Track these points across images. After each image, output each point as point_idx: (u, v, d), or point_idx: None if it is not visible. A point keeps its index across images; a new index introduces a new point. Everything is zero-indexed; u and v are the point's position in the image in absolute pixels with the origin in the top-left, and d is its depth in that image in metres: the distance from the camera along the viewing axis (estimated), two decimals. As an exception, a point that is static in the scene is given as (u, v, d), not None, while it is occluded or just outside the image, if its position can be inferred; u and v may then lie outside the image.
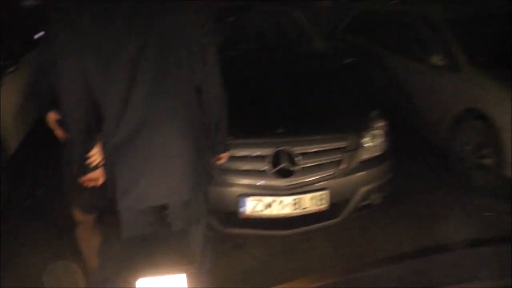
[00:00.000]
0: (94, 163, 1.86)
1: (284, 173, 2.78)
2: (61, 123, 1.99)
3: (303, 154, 2.80)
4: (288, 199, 2.76)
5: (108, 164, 1.83)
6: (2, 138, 3.36)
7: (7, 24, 3.92)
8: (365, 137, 2.98)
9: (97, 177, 1.91)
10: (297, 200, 2.76)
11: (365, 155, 2.95)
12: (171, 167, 1.77)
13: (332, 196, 2.81)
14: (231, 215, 2.83)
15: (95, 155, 1.86)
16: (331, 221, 2.91)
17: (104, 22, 1.62)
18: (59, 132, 2.08)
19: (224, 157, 2.17)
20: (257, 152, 2.81)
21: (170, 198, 1.85)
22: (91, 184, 1.95)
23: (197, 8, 1.77)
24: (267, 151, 2.79)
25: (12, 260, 2.88)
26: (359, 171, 2.91)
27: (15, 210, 3.40)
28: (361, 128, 3.01)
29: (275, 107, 3.09)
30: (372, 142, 2.99)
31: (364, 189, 2.91)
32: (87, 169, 1.87)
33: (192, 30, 1.75)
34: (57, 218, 2.90)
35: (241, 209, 2.78)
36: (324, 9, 6.84)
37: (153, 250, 1.46)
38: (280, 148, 2.79)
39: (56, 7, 1.68)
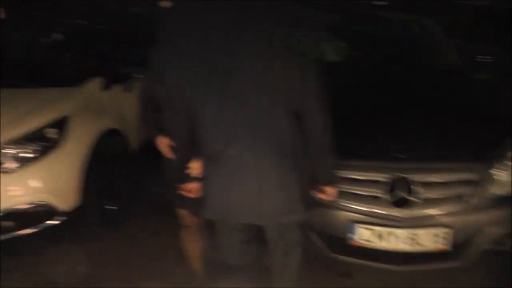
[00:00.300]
0: (192, 174, 1.91)
1: (401, 203, 2.54)
2: (174, 148, 2.02)
3: (423, 183, 2.53)
4: (403, 233, 2.52)
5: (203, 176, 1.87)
6: (126, 138, 3.60)
7: (137, 30, 4.13)
8: (499, 170, 2.61)
9: (193, 188, 1.95)
10: (413, 235, 2.51)
11: (497, 191, 2.59)
12: (258, 187, 1.74)
13: (454, 235, 2.51)
14: (339, 241, 2.67)
15: (195, 167, 1.89)
16: (451, 263, 2.60)
17: (201, 37, 1.63)
18: (169, 155, 2.11)
19: (329, 192, 2.00)
20: (372, 176, 2.60)
21: (256, 219, 1.85)
22: (187, 194, 1.99)
23: (294, 23, 1.67)
24: (383, 177, 2.56)
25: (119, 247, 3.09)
26: (489, 209, 2.55)
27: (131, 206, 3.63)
28: (494, 159, 2.64)
29: (395, 128, 2.84)
30: (506, 176, 2.61)
31: (493, 231, 2.55)
32: (185, 179, 1.93)
33: (285, 47, 1.64)
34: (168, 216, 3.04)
35: (351, 236, 2.61)
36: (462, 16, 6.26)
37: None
38: (397, 175, 2.55)
39: (161, 20, 1.73)
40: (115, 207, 3.43)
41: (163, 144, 2.11)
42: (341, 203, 2.60)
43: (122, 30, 3.98)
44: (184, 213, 2.37)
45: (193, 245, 2.51)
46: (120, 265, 2.99)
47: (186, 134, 1.83)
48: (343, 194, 2.57)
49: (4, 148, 2.85)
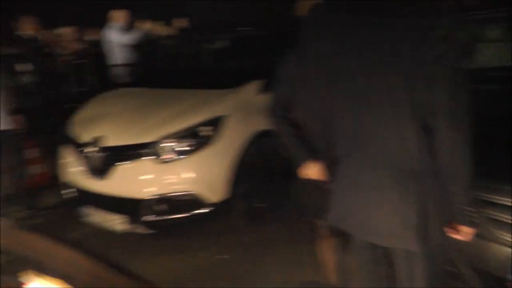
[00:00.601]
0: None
1: None
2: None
3: None
4: None
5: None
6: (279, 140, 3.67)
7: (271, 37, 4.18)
8: None
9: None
10: None
11: None
12: (368, 202, 1.61)
13: None
14: (495, 280, 2.28)
15: None
16: None
17: (336, 43, 1.58)
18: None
19: (464, 232, 1.63)
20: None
21: (365, 235, 1.72)
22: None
23: (430, 26, 1.45)
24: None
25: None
26: None
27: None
28: None
29: None
30: None
31: None
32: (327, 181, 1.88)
33: (414, 52, 1.44)
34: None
35: (510, 277, 2.21)
36: None
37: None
38: None
39: (302, 28, 1.71)
40: (262, 205, 3.55)
41: (315, 168, 2.05)
42: (499, 236, 2.22)
43: (284, 36, 4.06)
44: (319, 224, 2.31)
45: (329, 257, 2.45)
46: (256, 261, 3.07)
47: (325, 139, 1.78)
48: (500, 224, 2.20)
49: (163, 142, 3.18)
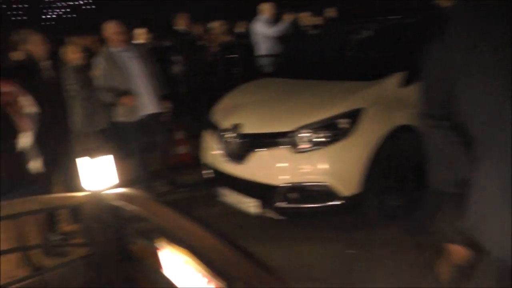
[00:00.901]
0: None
1: None
2: None
3: None
4: None
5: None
6: (420, 136, 3.40)
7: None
8: None
9: None
10: None
11: None
12: (500, 215, 1.42)
13: None
14: None
15: None
16: None
17: (472, 37, 1.45)
18: None
19: None
20: None
21: (488, 245, 1.51)
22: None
23: None
24: None
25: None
26: None
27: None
28: None
29: None
30: None
31: None
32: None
33: None
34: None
35: None
36: None
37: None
38: None
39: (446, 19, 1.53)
40: (394, 204, 3.35)
41: None
42: None
43: (429, 26, 3.72)
44: (457, 249, 2.06)
45: (455, 274, 2.18)
46: (378, 261, 2.94)
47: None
48: None
49: (300, 132, 3.19)
